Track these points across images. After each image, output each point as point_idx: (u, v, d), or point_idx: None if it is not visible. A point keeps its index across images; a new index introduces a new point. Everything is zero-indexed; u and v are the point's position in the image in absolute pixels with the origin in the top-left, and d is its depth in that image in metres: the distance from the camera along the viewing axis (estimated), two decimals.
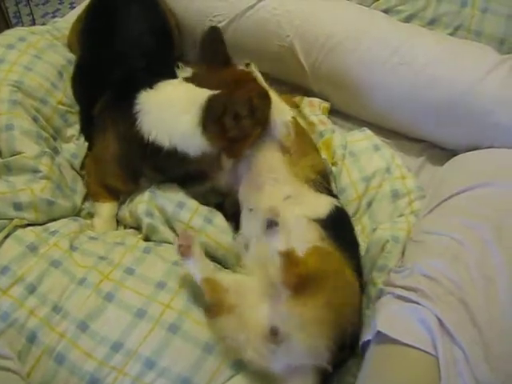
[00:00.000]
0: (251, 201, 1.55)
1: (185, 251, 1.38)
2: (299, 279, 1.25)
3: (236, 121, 1.46)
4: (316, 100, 2.03)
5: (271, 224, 1.43)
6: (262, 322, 1.28)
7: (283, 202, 1.49)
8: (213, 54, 1.59)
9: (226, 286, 1.35)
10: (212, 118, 1.47)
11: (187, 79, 1.59)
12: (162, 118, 1.55)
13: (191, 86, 1.55)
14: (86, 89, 1.88)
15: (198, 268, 1.37)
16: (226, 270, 1.53)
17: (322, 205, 1.50)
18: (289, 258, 1.28)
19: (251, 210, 1.54)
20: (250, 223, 1.53)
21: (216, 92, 1.50)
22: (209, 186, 1.67)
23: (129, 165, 1.68)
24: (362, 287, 1.44)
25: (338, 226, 1.47)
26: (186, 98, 1.54)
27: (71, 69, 1.95)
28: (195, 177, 1.64)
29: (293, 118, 1.64)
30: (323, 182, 1.59)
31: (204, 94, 1.50)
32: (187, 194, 1.63)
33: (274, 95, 1.59)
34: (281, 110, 1.59)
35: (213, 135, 1.50)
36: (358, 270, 1.43)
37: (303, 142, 1.66)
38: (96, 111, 1.76)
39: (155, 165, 1.62)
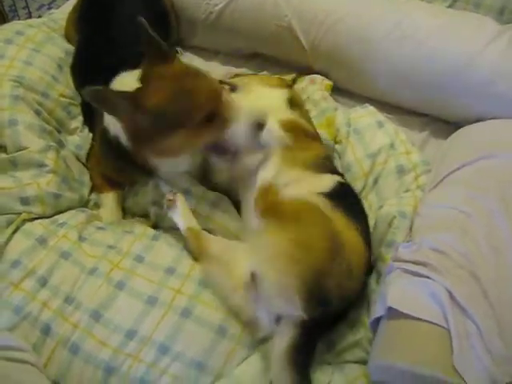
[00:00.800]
0: (249, 198, 1.53)
1: (170, 204, 1.52)
2: (269, 205, 1.37)
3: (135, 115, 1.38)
4: (318, 77, 2.02)
5: None
6: (245, 270, 1.32)
7: (283, 189, 1.47)
8: (151, 50, 1.46)
9: (209, 237, 1.48)
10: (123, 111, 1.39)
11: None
12: None
13: (131, 82, 1.44)
14: (84, 78, 1.86)
15: (182, 218, 1.50)
16: None
17: (325, 182, 1.50)
18: (267, 188, 1.40)
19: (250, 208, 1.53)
20: (254, 221, 1.50)
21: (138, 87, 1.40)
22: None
23: (119, 162, 1.66)
24: (370, 258, 1.45)
25: (342, 197, 1.46)
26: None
27: (70, 60, 1.94)
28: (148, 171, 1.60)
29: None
30: (325, 163, 1.59)
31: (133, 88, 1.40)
32: (192, 180, 1.63)
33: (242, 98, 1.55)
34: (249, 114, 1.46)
35: (127, 129, 1.44)
36: (367, 238, 1.44)
37: (299, 138, 1.59)
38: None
39: (125, 159, 1.58)
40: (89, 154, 1.84)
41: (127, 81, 1.47)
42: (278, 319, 1.29)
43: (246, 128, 1.43)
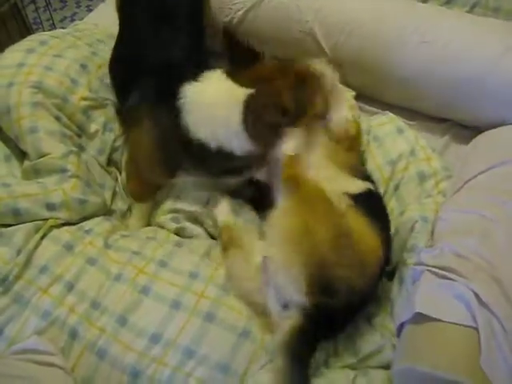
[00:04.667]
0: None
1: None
2: (291, 175, 1.40)
3: (277, 116, 1.45)
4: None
5: None
6: (260, 256, 1.38)
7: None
8: (240, 53, 1.58)
9: (239, 229, 1.55)
10: (251, 118, 1.47)
11: (227, 73, 1.56)
12: (206, 115, 1.53)
13: (231, 84, 1.52)
14: (121, 74, 1.86)
15: (223, 214, 1.60)
16: None
17: (355, 186, 1.51)
18: (292, 158, 1.44)
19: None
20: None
21: (251, 91, 1.48)
22: (247, 178, 1.67)
23: (166, 158, 1.67)
24: (388, 261, 1.47)
25: (367, 201, 1.47)
26: (228, 97, 1.51)
27: (97, 59, 1.95)
28: (237, 170, 1.63)
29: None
30: (362, 169, 1.63)
31: (243, 92, 1.49)
32: (213, 188, 1.66)
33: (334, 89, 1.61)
34: (338, 106, 1.59)
35: (255, 134, 1.49)
36: (387, 242, 1.45)
37: (353, 138, 1.66)
38: (131, 101, 1.75)
39: (199, 160, 1.61)
40: (109, 158, 1.85)
41: (214, 86, 1.55)
42: (285, 306, 1.31)
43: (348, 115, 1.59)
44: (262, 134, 1.49)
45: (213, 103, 1.53)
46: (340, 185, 1.48)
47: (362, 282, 1.32)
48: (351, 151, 1.63)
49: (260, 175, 1.64)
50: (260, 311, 1.37)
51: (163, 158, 1.68)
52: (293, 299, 1.30)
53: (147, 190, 1.77)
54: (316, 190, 1.40)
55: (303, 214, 1.33)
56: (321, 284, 1.27)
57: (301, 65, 1.56)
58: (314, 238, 1.30)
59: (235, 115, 1.48)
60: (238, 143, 1.51)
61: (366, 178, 1.61)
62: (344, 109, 1.60)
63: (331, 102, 1.56)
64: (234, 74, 1.53)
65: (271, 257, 1.33)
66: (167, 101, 1.58)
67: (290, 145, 1.46)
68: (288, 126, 1.47)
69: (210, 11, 2.06)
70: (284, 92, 1.45)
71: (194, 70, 1.60)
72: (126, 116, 1.83)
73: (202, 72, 1.58)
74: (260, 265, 1.38)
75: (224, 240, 1.55)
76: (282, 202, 1.39)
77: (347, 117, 1.59)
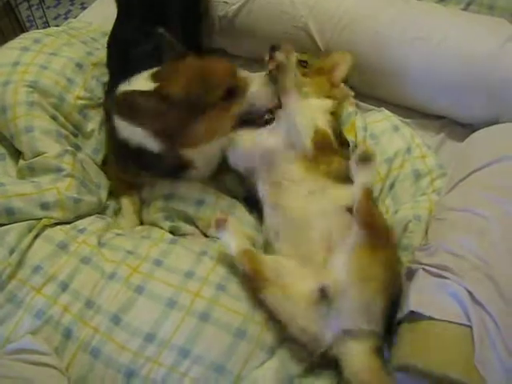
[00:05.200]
0: (272, 199, 1.54)
1: (221, 223, 1.45)
2: (372, 216, 1.32)
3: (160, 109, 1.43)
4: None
5: None
6: (309, 287, 1.31)
7: (307, 197, 1.48)
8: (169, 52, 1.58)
9: (263, 259, 1.40)
10: (124, 114, 1.47)
11: (153, 74, 1.54)
12: None
13: (146, 82, 1.50)
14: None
15: (234, 240, 1.43)
16: None
17: (347, 193, 1.45)
18: (368, 193, 1.34)
19: (274, 208, 1.53)
20: (274, 220, 1.52)
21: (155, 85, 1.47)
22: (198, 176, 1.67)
23: (120, 157, 1.71)
24: None
25: None
26: None
27: (92, 58, 1.96)
28: (179, 170, 1.63)
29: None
30: (347, 173, 1.59)
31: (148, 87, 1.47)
32: (206, 188, 1.66)
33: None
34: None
35: (157, 132, 1.49)
36: None
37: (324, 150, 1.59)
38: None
39: (136, 162, 1.63)
40: (106, 160, 1.86)
41: (139, 83, 1.52)
42: (346, 333, 1.27)
43: (261, 87, 1.55)
44: (152, 126, 1.47)
45: None
46: (331, 194, 1.47)
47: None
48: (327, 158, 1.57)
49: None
50: (311, 340, 1.31)
51: (118, 156, 1.72)
52: (362, 328, 1.27)
53: (125, 185, 1.78)
54: (385, 222, 1.40)
55: (382, 247, 1.30)
56: (390, 312, 1.28)
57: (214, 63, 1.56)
58: (392, 275, 1.29)
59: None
60: (146, 141, 1.51)
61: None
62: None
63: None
64: (159, 74, 1.53)
65: (349, 291, 1.26)
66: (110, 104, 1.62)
67: (364, 177, 1.37)
68: (177, 117, 1.44)
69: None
70: (176, 84, 1.44)
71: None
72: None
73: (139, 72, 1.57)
74: (313, 295, 1.30)
75: (248, 273, 1.38)
76: (360, 238, 1.31)
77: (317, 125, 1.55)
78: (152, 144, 1.52)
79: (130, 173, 1.73)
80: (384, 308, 1.26)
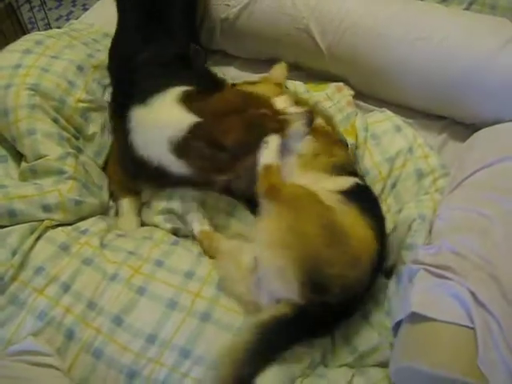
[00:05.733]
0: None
1: None
2: (270, 186, 1.41)
3: (210, 153, 1.47)
4: (341, 84, 1.99)
5: None
6: (249, 258, 1.38)
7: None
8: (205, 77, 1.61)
9: (219, 236, 1.58)
10: (186, 148, 1.49)
11: (182, 99, 1.55)
12: (150, 138, 1.56)
13: (180, 110, 1.52)
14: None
15: (196, 222, 1.60)
16: None
17: (342, 182, 1.51)
18: (268, 169, 1.45)
19: None
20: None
21: (198, 121, 1.49)
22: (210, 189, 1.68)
23: (127, 168, 1.73)
24: (383, 258, 1.46)
25: (356, 195, 1.47)
26: (171, 122, 1.52)
27: (93, 61, 1.95)
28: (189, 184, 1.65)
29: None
30: (345, 167, 1.60)
31: (187, 120, 1.49)
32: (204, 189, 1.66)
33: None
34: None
35: (190, 162, 1.51)
36: (382, 239, 1.43)
37: (321, 143, 1.65)
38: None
39: (148, 176, 1.65)
40: (107, 161, 1.86)
41: (159, 110, 1.56)
42: (278, 302, 1.32)
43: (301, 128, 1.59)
44: (196, 164, 1.51)
45: (155, 126, 1.55)
46: (323, 184, 1.49)
47: (354, 278, 1.31)
48: (330, 154, 1.62)
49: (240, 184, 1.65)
50: (253, 310, 1.36)
51: (126, 170, 1.74)
52: (285, 297, 1.30)
53: (124, 188, 1.78)
54: (298, 191, 1.42)
55: (289, 214, 1.34)
56: (315, 282, 1.27)
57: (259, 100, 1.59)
58: (303, 238, 1.30)
59: (172, 141, 1.50)
60: (175, 166, 1.53)
61: (353, 173, 1.61)
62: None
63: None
64: (191, 98, 1.54)
65: (262, 259, 1.33)
66: (123, 120, 1.64)
67: (266, 157, 1.48)
68: (226, 162, 1.48)
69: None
70: (229, 132, 1.46)
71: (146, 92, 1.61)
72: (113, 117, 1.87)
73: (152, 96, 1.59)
74: (250, 266, 1.38)
75: (205, 248, 1.57)
76: (267, 208, 1.39)
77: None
78: (183, 170, 1.53)
79: (138, 182, 1.74)
80: (305, 275, 1.26)
